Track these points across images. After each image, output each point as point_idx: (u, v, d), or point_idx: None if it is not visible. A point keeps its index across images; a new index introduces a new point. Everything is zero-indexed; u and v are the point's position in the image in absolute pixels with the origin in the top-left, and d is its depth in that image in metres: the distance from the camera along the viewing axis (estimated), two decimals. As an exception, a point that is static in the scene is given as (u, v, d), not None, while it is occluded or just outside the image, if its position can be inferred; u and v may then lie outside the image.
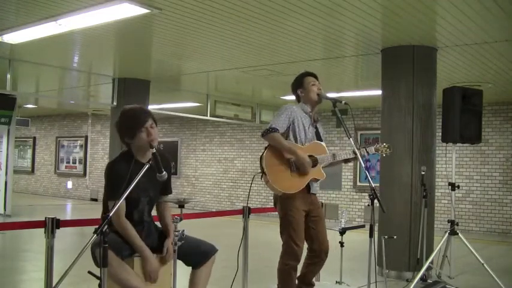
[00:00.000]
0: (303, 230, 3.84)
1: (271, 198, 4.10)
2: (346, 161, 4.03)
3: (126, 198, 2.79)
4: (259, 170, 3.88)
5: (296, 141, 3.89)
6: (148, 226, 3.31)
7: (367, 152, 3.97)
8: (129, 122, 3.18)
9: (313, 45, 6.60)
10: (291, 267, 3.82)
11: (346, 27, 5.72)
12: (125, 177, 2.98)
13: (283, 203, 3.86)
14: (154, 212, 3.43)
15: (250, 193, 13.97)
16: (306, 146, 3.91)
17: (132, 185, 2.75)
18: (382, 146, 4.07)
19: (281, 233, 3.89)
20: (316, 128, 4.06)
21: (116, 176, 3.09)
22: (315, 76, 4.10)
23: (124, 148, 3.30)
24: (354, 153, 3.86)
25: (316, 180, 3.93)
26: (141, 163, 3.07)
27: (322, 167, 3.94)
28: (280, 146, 3.79)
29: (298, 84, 4.08)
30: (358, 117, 12.31)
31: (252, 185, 4.07)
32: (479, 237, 10.10)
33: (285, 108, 3.92)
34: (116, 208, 2.70)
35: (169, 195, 3.46)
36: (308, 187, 3.90)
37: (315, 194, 4.01)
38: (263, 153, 3.85)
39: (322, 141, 4.06)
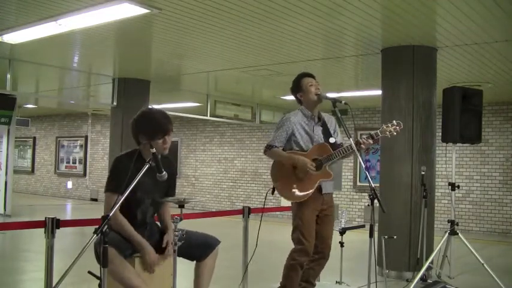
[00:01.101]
0: (313, 229, 3.93)
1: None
2: (344, 156, 3.97)
3: (128, 198, 2.80)
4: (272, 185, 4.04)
5: (302, 149, 3.94)
6: (150, 227, 3.36)
7: (373, 137, 3.75)
8: (155, 126, 3.21)
9: (313, 45, 6.60)
10: (298, 263, 3.88)
11: (346, 27, 5.72)
12: (127, 172, 3.01)
13: (296, 204, 3.96)
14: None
15: (251, 193, 14.00)
16: (309, 151, 3.94)
17: (133, 184, 2.76)
18: (390, 125, 3.73)
19: (293, 231, 3.97)
20: (322, 125, 4.06)
21: (119, 169, 3.14)
22: (312, 76, 4.10)
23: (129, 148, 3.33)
24: (352, 148, 3.75)
25: (325, 180, 3.96)
26: (145, 161, 3.09)
27: (330, 165, 3.95)
28: (280, 158, 3.96)
29: (297, 88, 4.09)
30: (358, 117, 12.31)
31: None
32: (479, 237, 10.09)
33: (282, 122, 4.00)
34: (117, 206, 2.71)
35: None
36: (320, 188, 3.94)
37: (329, 194, 4.06)
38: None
39: (332, 136, 4.04)
